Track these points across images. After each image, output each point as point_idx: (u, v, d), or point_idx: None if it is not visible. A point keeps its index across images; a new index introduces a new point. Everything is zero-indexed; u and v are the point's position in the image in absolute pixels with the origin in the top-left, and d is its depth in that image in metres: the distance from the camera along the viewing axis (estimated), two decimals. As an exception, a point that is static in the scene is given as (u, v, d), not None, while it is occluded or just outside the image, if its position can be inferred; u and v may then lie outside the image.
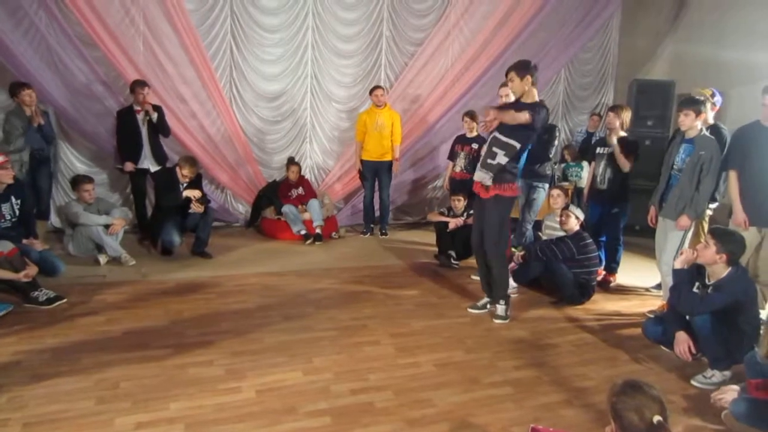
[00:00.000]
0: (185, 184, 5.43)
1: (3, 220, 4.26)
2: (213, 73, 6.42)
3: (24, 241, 4.31)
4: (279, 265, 5.29)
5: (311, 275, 5.04)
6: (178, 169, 5.39)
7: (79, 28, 5.73)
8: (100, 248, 5.09)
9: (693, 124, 4.01)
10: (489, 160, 3.84)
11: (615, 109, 5.03)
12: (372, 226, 6.85)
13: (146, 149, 5.75)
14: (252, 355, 3.31)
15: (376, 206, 6.85)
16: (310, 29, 6.94)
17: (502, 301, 4.08)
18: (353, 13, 7.09)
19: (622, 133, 4.95)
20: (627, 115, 4.98)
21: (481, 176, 3.90)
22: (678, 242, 4.04)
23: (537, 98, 3.88)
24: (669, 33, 7.51)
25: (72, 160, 6.23)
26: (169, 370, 3.06)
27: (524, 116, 3.66)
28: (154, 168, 5.73)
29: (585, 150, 6.78)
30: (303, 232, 6.26)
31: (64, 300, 4.02)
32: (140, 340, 3.45)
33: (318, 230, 6.29)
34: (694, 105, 4.01)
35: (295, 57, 6.94)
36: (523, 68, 3.80)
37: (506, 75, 3.89)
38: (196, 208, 5.32)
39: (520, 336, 3.82)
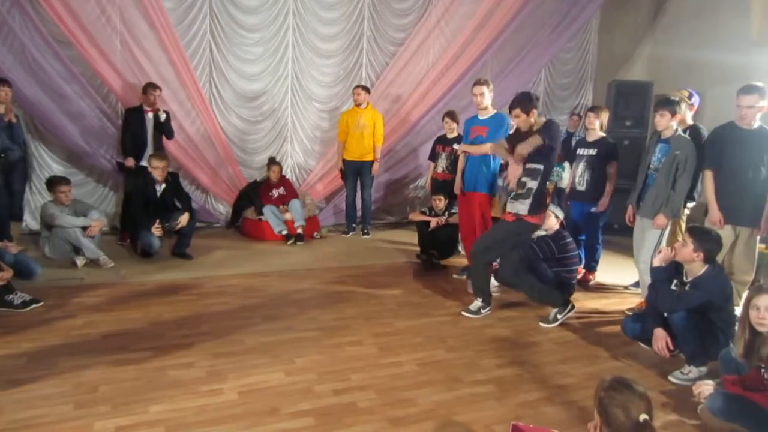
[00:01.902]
0: (163, 186, 5.36)
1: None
2: (192, 73, 6.36)
3: (-2, 244, 4.23)
4: (260, 266, 5.26)
5: (293, 276, 5.02)
6: (149, 168, 5.32)
7: (53, 26, 5.62)
8: (77, 250, 5.01)
9: (669, 125, 4.08)
10: (520, 190, 3.90)
11: (594, 109, 5.12)
12: (354, 225, 6.85)
13: (149, 149, 5.74)
14: (234, 356, 3.28)
15: (358, 206, 6.84)
16: (291, 28, 6.91)
17: (478, 299, 4.20)
18: (334, 12, 7.07)
19: (601, 134, 5.03)
20: (606, 116, 5.07)
21: (518, 207, 3.92)
22: (655, 241, 4.10)
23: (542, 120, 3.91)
24: (647, 34, 7.64)
25: (48, 161, 6.11)
26: (149, 373, 3.02)
27: (537, 140, 3.68)
28: None
29: (565, 150, 6.85)
30: (284, 232, 6.23)
31: (41, 303, 3.94)
32: (119, 342, 3.40)
33: (299, 230, 6.27)
34: (670, 105, 4.08)
35: (276, 56, 6.90)
36: (527, 103, 3.81)
37: (510, 111, 3.89)
38: (157, 233, 5.22)
39: (502, 334, 3.84)
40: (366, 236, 6.74)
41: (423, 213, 5.79)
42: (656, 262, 3.46)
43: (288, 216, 6.34)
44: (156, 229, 5.17)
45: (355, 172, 6.65)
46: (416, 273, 5.30)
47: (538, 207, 3.88)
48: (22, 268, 4.27)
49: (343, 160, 6.65)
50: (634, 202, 4.39)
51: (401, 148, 7.52)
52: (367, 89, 6.65)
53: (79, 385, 2.85)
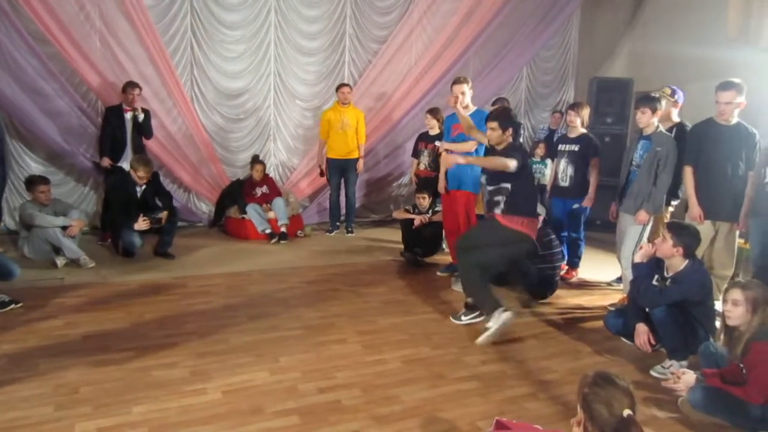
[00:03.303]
0: (143, 186, 5.31)
1: None
2: (173, 71, 6.29)
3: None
4: (244, 265, 5.23)
5: (277, 275, 5.00)
6: (132, 171, 5.26)
7: (31, 23, 5.52)
8: (57, 250, 4.93)
9: (650, 122, 4.13)
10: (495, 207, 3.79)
11: (575, 107, 5.16)
12: (338, 224, 6.84)
13: (128, 149, 5.67)
14: (217, 355, 3.26)
15: (342, 204, 6.83)
16: (273, 26, 6.87)
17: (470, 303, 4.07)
18: (316, 10, 7.05)
19: (583, 130, 5.08)
20: (586, 113, 5.12)
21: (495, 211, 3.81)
22: (637, 237, 4.16)
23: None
24: (627, 31, 7.72)
25: (27, 160, 6.00)
26: (132, 373, 2.99)
27: (512, 163, 3.56)
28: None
29: (548, 147, 6.92)
30: (268, 231, 6.20)
31: (20, 304, 3.87)
32: (101, 343, 3.36)
33: (283, 229, 6.24)
34: (650, 102, 4.13)
35: (258, 54, 6.86)
36: (507, 120, 3.75)
37: (486, 122, 3.80)
38: (142, 225, 5.15)
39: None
40: (350, 234, 6.74)
41: (407, 211, 5.80)
42: (637, 258, 3.51)
43: (271, 214, 6.31)
44: (143, 222, 5.10)
45: (339, 170, 6.63)
46: (400, 271, 5.31)
47: (514, 210, 3.71)
48: (0, 269, 4.19)
49: (327, 159, 6.63)
50: (617, 198, 4.44)
51: (384, 146, 7.53)
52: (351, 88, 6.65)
53: (60, 387, 2.81)
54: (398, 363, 3.29)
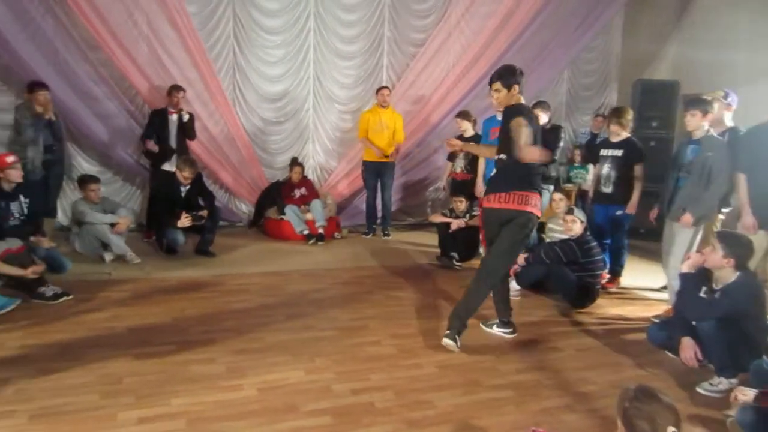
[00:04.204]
0: (187, 186, 5.46)
1: (12, 219, 4.31)
2: (215, 75, 6.46)
3: (32, 238, 4.38)
4: (281, 265, 5.31)
5: (313, 275, 5.05)
6: (177, 171, 5.41)
7: (84, 31, 5.77)
8: (105, 246, 5.12)
9: (699, 125, 3.98)
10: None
11: (615, 113, 5.00)
12: (374, 226, 6.86)
13: (172, 148, 5.84)
14: (254, 353, 3.31)
15: (379, 207, 6.85)
16: (312, 31, 6.97)
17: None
18: (354, 14, 7.11)
19: (626, 134, 4.93)
20: (628, 117, 4.96)
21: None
22: (686, 246, 4.01)
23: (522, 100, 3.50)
24: (672, 34, 7.50)
25: (79, 161, 6.27)
26: (172, 367, 3.07)
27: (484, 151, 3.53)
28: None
29: (589, 151, 6.77)
30: (305, 232, 6.27)
31: (70, 296, 4.05)
32: (143, 336, 3.47)
33: (320, 230, 6.30)
34: (701, 105, 3.98)
35: (297, 58, 6.97)
36: (509, 76, 3.41)
37: (490, 84, 3.49)
38: (185, 222, 5.29)
39: (523, 339, 3.80)
40: (386, 237, 6.75)
41: (443, 215, 5.77)
42: (685, 268, 3.36)
43: (309, 216, 6.38)
44: (185, 219, 5.24)
45: (375, 172, 6.66)
46: (436, 275, 5.28)
47: (494, 188, 3.46)
48: (53, 263, 4.43)
49: (364, 161, 6.67)
50: (664, 205, 4.30)
51: (422, 149, 7.52)
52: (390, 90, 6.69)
53: (105, 376, 2.92)
54: (432, 368, 3.27)
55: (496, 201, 3.41)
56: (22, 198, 4.43)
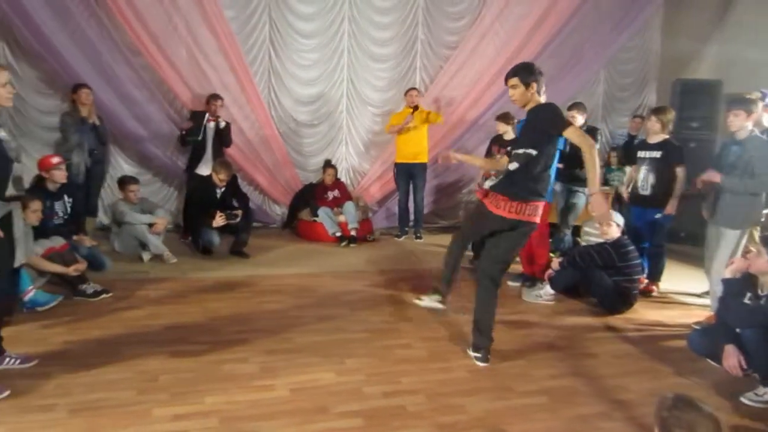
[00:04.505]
0: (223, 188, 5.56)
1: (56, 218, 4.48)
2: (252, 79, 6.56)
3: (74, 237, 4.55)
4: (314, 267, 5.35)
5: (345, 277, 5.07)
6: (213, 174, 5.51)
7: (126, 35, 5.95)
8: (143, 246, 5.26)
9: (743, 125, 3.85)
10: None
11: (656, 111, 4.88)
12: (406, 229, 6.85)
13: (209, 156, 5.99)
14: (286, 353, 3.34)
15: (411, 210, 6.84)
16: (346, 34, 7.01)
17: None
18: (388, 17, 7.12)
19: (665, 135, 4.80)
20: (669, 117, 4.82)
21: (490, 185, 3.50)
22: (729, 250, 3.87)
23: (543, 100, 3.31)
24: (714, 33, 7.26)
25: (119, 162, 6.46)
26: (206, 365, 3.12)
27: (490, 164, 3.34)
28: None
29: (627, 153, 6.61)
30: (338, 234, 6.31)
31: (110, 294, 4.18)
32: (179, 335, 3.54)
33: (353, 233, 6.33)
34: (745, 104, 3.84)
35: (331, 62, 7.03)
36: (527, 73, 3.23)
37: (506, 82, 3.31)
38: (219, 221, 5.39)
39: (557, 344, 3.73)
40: (418, 240, 6.72)
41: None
42: (728, 273, 3.26)
43: (342, 218, 6.41)
44: (219, 218, 5.33)
45: (407, 175, 6.64)
46: (469, 278, 5.22)
47: (503, 188, 3.26)
48: (94, 261, 4.59)
49: (396, 164, 6.66)
50: (709, 208, 4.16)
51: (455, 151, 7.43)
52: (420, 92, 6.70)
53: (141, 373, 2.99)
54: (464, 372, 3.23)
55: (506, 209, 3.20)
56: (66, 198, 4.61)
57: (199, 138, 5.90)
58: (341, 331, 3.75)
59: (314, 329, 3.76)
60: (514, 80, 3.24)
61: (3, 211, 2.66)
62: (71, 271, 4.08)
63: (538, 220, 3.29)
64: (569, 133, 3.06)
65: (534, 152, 3.16)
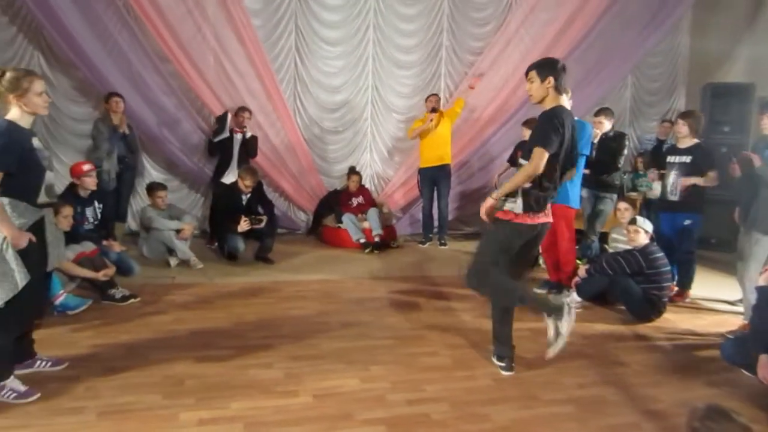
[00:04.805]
0: (248, 195, 5.62)
1: (86, 223, 4.58)
2: (278, 86, 6.64)
3: (104, 242, 4.63)
4: (338, 273, 5.36)
5: (369, 283, 5.07)
6: (239, 180, 5.58)
7: (156, 44, 6.08)
8: (171, 251, 5.34)
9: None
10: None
11: (685, 116, 4.78)
12: (431, 235, 6.82)
13: (234, 164, 6.06)
14: (310, 360, 3.35)
15: (435, 216, 6.81)
16: (371, 41, 7.05)
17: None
18: (413, 24, 7.15)
19: (695, 140, 4.69)
20: (698, 121, 4.72)
21: (511, 206, 3.17)
22: (763, 257, 3.77)
23: (561, 103, 3.12)
24: (745, 34, 7.09)
25: (148, 168, 6.59)
26: (231, 371, 3.15)
27: (540, 157, 2.95)
28: None
29: (655, 158, 6.49)
30: (362, 240, 6.31)
31: (138, 299, 4.24)
32: (205, 340, 3.58)
33: (377, 239, 6.33)
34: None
35: (357, 69, 7.08)
36: (546, 68, 3.08)
37: (526, 74, 3.21)
38: (244, 226, 5.42)
39: (585, 353, 3.66)
40: (443, 246, 6.69)
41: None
42: (762, 281, 3.16)
43: (366, 224, 6.43)
44: (244, 222, 5.38)
45: (431, 181, 6.62)
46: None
47: (529, 207, 3.10)
48: (123, 266, 4.69)
49: (419, 169, 6.65)
50: (743, 214, 4.06)
51: (479, 158, 7.43)
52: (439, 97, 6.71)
53: (168, 377, 3.03)
54: (489, 380, 3.20)
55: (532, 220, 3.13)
56: (96, 203, 4.72)
57: (227, 134, 5.97)
58: (366, 338, 3.75)
59: (338, 335, 3.76)
60: (532, 73, 3.13)
61: (36, 216, 2.72)
62: (100, 276, 4.16)
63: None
64: (534, 152, 2.95)
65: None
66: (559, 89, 3.09)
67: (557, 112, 3.05)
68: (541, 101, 3.14)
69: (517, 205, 3.08)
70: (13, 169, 2.59)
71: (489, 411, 2.83)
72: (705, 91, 6.60)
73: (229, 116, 6.06)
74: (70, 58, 5.77)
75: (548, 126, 2.99)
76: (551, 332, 3.06)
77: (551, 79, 3.06)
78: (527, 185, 3.04)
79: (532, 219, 3.10)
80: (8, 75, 2.65)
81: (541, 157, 2.94)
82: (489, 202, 3.24)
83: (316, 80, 6.97)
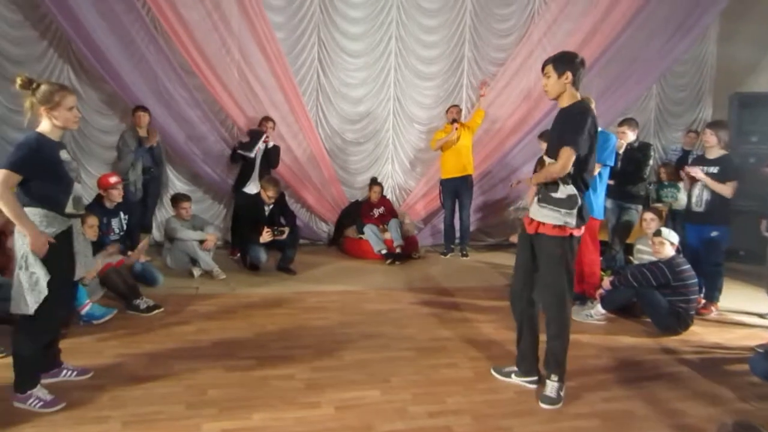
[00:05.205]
0: (271, 206, 5.67)
1: (112, 234, 4.67)
2: (300, 98, 6.71)
3: (129, 253, 4.70)
4: (359, 284, 5.37)
5: (391, 294, 5.06)
6: (262, 191, 5.63)
7: (181, 58, 6.20)
8: (194, 262, 5.40)
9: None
10: (552, 193, 2.98)
11: (713, 126, 4.71)
12: (452, 246, 6.79)
13: (255, 174, 6.12)
14: (331, 371, 3.35)
15: (457, 227, 6.79)
16: (393, 53, 7.09)
17: (554, 377, 3.06)
18: (435, 35, 7.17)
19: (723, 151, 4.62)
20: (726, 132, 4.65)
21: (547, 214, 2.99)
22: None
23: (578, 98, 3.00)
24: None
25: (172, 179, 6.70)
26: (253, 381, 3.16)
27: (567, 155, 2.83)
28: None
29: (680, 169, 6.38)
30: (384, 251, 6.31)
31: (161, 309, 4.30)
32: (227, 350, 3.60)
33: (398, 250, 6.33)
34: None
35: (379, 80, 7.12)
36: (564, 62, 2.95)
37: (542, 69, 3.08)
38: (266, 237, 5.46)
39: (610, 366, 3.60)
40: (465, 258, 6.66)
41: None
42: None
43: (387, 235, 6.43)
44: (266, 233, 5.42)
45: (453, 191, 6.61)
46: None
47: (582, 218, 2.98)
48: (147, 276, 4.75)
49: (441, 180, 6.65)
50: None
51: (501, 168, 7.39)
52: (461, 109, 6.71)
53: (191, 387, 3.05)
54: (511, 393, 3.16)
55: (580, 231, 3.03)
56: (122, 214, 4.81)
57: (252, 154, 6.03)
58: (387, 349, 3.74)
59: (360, 346, 3.76)
60: (548, 68, 3.00)
61: (63, 226, 2.78)
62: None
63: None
64: (561, 151, 2.86)
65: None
66: (576, 85, 2.97)
67: (587, 108, 2.93)
68: (557, 97, 3.02)
69: (573, 219, 2.94)
70: (29, 175, 2.65)
71: (512, 424, 2.80)
72: (732, 101, 6.48)
73: (263, 140, 6.06)
74: (99, 72, 5.92)
75: (580, 125, 2.85)
76: (551, 392, 3.03)
77: (569, 74, 2.93)
78: (579, 201, 2.94)
79: (578, 231, 3.01)
80: (42, 88, 2.72)
81: (569, 158, 2.85)
82: (531, 193, 3.06)
83: (339, 92, 7.03)
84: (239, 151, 6.06)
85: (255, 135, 6.09)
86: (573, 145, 2.84)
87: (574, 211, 2.93)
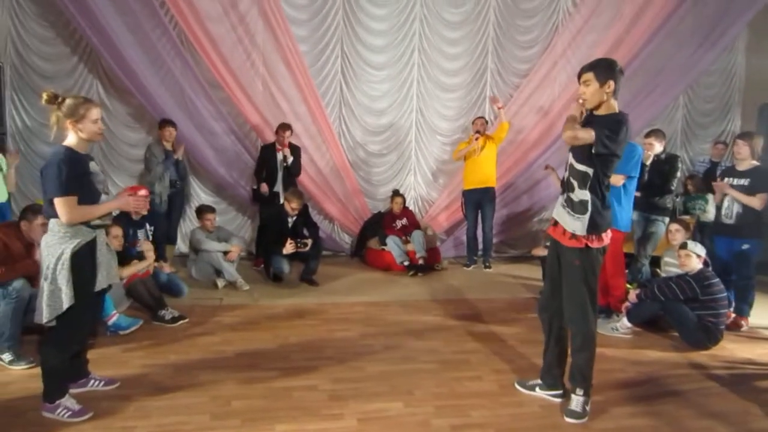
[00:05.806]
0: (294, 217, 5.72)
1: (138, 245, 4.74)
2: (323, 110, 6.76)
3: (155, 264, 4.77)
4: (382, 295, 5.36)
5: (413, 306, 5.05)
6: (286, 203, 5.69)
7: (207, 72, 6.32)
8: (218, 273, 5.47)
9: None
10: (570, 194, 2.96)
11: (744, 136, 4.63)
12: (475, 258, 6.76)
13: (279, 186, 6.18)
14: (354, 382, 3.35)
15: (479, 238, 6.75)
16: (416, 65, 7.12)
17: (580, 391, 3.02)
18: (457, 47, 7.18)
19: (755, 163, 4.53)
20: (758, 143, 4.56)
21: (561, 213, 3.02)
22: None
23: (616, 109, 2.91)
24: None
25: (197, 190, 6.80)
26: (276, 392, 3.18)
27: (587, 134, 2.77)
28: None
29: (708, 181, 6.27)
30: (406, 263, 6.31)
31: (186, 320, 4.35)
32: (250, 361, 3.63)
33: (421, 261, 6.32)
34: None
35: (401, 92, 7.15)
36: (606, 70, 2.82)
37: (579, 77, 2.94)
38: (289, 249, 5.50)
39: (636, 380, 3.54)
40: (488, 270, 6.61)
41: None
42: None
43: (410, 247, 6.42)
44: (289, 245, 5.46)
45: (475, 203, 6.58)
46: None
47: (595, 228, 2.90)
48: (172, 287, 4.83)
49: (464, 192, 6.63)
50: None
51: (524, 180, 7.34)
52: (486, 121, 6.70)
53: (215, 398, 3.08)
54: (536, 407, 3.12)
55: (599, 242, 2.95)
56: (147, 226, 4.90)
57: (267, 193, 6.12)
58: (410, 361, 3.73)
59: (382, 358, 3.76)
60: (588, 75, 2.84)
61: (89, 237, 2.82)
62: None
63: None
64: (585, 130, 2.79)
65: (591, 170, 2.87)
66: (616, 95, 2.87)
67: (626, 119, 2.84)
68: (596, 108, 2.90)
69: (581, 225, 2.92)
70: (79, 192, 2.72)
71: (536, 440, 2.76)
72: (762, 112, 6.35)
73: (281, 162, 6.13)
74: (126, 86, 6.07)
75: (613, 127, 2.76)
76: (576, 406, 2.99)
77: (611, 83, 2.80)
78: (589, 208, 2.89)
79: (595, 243, 2.94)
80: (68, 101, 2.78)
81: (585, 136, 2.78)
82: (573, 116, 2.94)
83: (362, 104, 7.08)
84: (262, 191, 6.12)
85: (266, 150, 6.18)
86: (596, 134, 2.75)
87: (584, 218, 2.89)
